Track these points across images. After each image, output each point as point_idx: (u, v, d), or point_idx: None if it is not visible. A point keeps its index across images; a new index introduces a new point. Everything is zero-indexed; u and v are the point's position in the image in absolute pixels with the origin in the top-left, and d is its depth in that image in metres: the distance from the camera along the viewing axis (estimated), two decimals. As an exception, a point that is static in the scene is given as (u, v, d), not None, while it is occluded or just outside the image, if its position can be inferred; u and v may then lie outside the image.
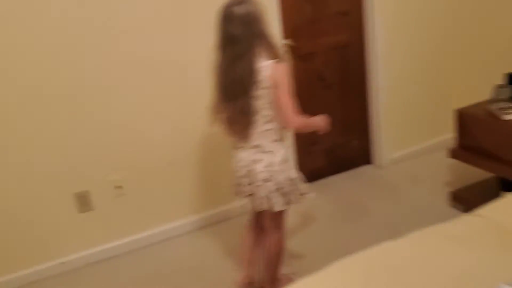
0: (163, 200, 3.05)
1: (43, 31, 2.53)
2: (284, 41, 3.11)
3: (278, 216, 2.25)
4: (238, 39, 1.96)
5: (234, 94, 2.02)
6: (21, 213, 2.71)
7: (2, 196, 2.65)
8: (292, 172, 2.18)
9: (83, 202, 2.82)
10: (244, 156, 2.15)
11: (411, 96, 3.67)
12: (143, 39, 2.75)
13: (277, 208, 2.16)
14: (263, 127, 2.08)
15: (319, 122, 2.21)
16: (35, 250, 2.79)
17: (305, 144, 3.47)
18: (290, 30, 3.16)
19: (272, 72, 1.99)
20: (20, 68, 2.53)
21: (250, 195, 2.21)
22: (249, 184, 2.17)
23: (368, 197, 3.35)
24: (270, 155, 2.11)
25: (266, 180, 2.11)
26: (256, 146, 2.11)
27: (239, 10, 1.94)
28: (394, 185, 3.47)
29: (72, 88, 2.66)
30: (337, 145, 3.62)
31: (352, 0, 3.33)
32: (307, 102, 3.35)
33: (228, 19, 1.96)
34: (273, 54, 2.04)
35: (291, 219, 3.10)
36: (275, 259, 2.32)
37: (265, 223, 2.30)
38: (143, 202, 2.99)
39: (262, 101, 2.02)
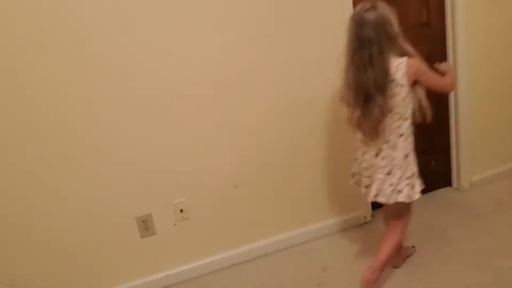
0: (229, 224, 2.89)
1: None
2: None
3: (397, 211, 2.44)
4: (370, 43, 2.08)
5: (369, 94, 2.14)
6: (81, 238, 2.60)
7: (62, 221, 2.54)
8: (411, 167, 2.32)
9: (146, 226, 2.70)
10: (371, 149, 2.30)
11: (496, 112, 3.36)
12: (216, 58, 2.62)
13: (400, 199, 2.30)
14: (394, 124, 2.21)
15: (450, 67, 2.45)
16: (94, 276, 2.67)
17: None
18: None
19: (407, 69, 2.12)
20: (89, 93, 2.43)
21: (367, 186, 2.39)
22: (369, 176, 2.36)
23: (448, 224, 3.04)
24: (394, 150, 2.25)
25: (387, 174, 2.28)
26: (385, 142, 2.25)
27: (370, 16, 2.08)
28: (477, 211, 3.15)
29: (132, 110, 2.54)
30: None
31: (433, 10, 3.07)
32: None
33: (360, 24, 2.10)
34: (404, 52, 2.15)
35: (362, 246, 2.92)
36: (389, 252, 2.43)
37: (386, 218, 2.53)
38: (208, 226, 2.84)
39: (396, 99, 2.15)
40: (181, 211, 2.75)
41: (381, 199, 2.31)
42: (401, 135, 2.24)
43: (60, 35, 2.32)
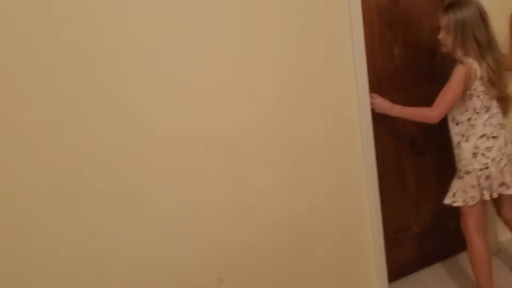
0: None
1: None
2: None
3: None
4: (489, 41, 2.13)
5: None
6: None
7: None
8: None
9: None
10: (501, 143, 2.20)
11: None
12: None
13: None
14: None
15: None
16: None
17: (390, 231, 2.58)
18: (375, 80, 2.33)
19: None
20: None
21: (501, 184, 2.23)
22: (502, 171, 2.22)
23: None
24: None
25: None
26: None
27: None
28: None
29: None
30: (431, 228, 2.74)
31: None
32: (393, 172, 2.54)
33: (485, 23, 2.10)
34: None
35: None
36: None
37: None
38: None
39: None
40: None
41: None
42: None
43: None
